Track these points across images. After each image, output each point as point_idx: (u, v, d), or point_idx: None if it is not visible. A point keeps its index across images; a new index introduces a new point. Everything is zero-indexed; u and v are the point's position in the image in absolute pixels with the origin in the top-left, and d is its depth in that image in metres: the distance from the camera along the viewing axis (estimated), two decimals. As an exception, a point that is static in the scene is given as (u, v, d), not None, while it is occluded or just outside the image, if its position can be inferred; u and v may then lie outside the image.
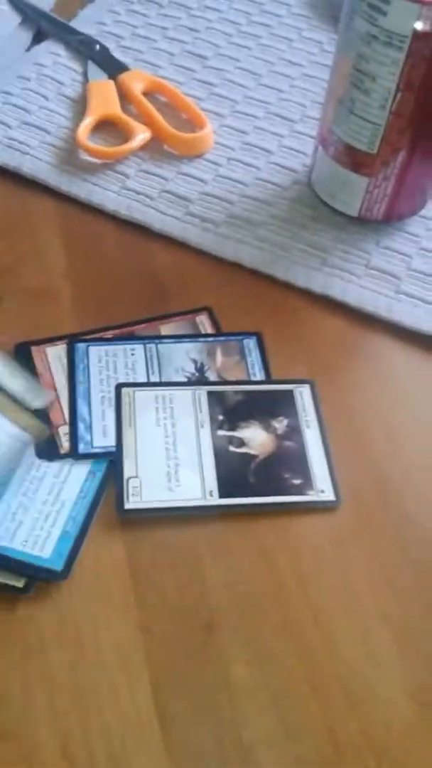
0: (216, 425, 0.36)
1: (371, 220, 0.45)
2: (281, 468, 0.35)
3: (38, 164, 0.47)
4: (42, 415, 0.34)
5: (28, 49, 0.55)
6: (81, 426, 0.35)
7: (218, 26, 0.59)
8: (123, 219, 0.45)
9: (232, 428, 0.36)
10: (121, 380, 0.37)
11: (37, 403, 0.32)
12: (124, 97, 0.52)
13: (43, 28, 0.57)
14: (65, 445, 0.35)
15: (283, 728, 0.28)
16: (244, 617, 0.31)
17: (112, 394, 0.37)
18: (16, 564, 0.30)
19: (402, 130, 0.40)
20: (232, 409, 0.37)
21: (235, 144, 0.50)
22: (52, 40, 0.56)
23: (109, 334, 0.39)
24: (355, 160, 0.42)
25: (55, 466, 0.34)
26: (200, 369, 0.39)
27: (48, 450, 0.34)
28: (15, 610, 0.30)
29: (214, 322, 0.41)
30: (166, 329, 0.40)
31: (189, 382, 0.38)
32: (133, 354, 0.39)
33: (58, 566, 0.30)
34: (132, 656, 0.30)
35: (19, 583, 0.30)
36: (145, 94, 0.52)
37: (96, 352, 0.38)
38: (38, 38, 0.56)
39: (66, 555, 0.31)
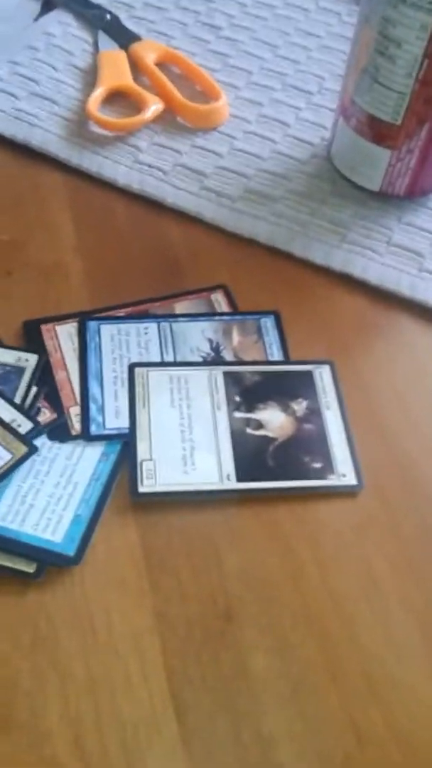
0: (233, 407, 0.35)
1: (393, 195, 0.43)
2: (301, 451, 0.34)
3: (47, 136, 0.45)
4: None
5: (37, 19, 0.54)
6: (93, 407, 0.34)
7: (232, -5, 0.58)
8: (135, 193, 0.44)
9: (250, 410, 0.35)
10: (134, 360, 0.36)
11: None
12: (136, 67, 0.50)
13: (52, -3, 0.55)
14: (77, 426, 0.33)
15: (303, 720, 0.27)
16: (262, 605, 0.30)
17: (125, 375, 0.36)
18: (27, 548, 0.29)
19: (428, 99, 0.38)
20: (249, 391, 0.36)
21: (251, 116, 0.48)
22: (61, 9, 0.54)
23: (121, 312, 0.38)
24: (377, 131, 0.41)
25: (67, 447, 0.33)
26: (216, 349, 0.37)
27: (59, 431, 0.33)
28: (25, 595, 0.29)
29: (230, 301, 0.39)
30: (180, 307, 0.39)
31: (204, 363, 0.37)
32: (146, 333, 0.37)
33: (71, 551, 0.29)
34: (146, 643, 0.29)
35: (30, 569, 0.29)
36: (158, 64, 0.50)
37: (108, 330, 0.37)
38: (47, 7, 0.55)
39: (78, 539, 0.30)
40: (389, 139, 0.41)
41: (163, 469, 0.32)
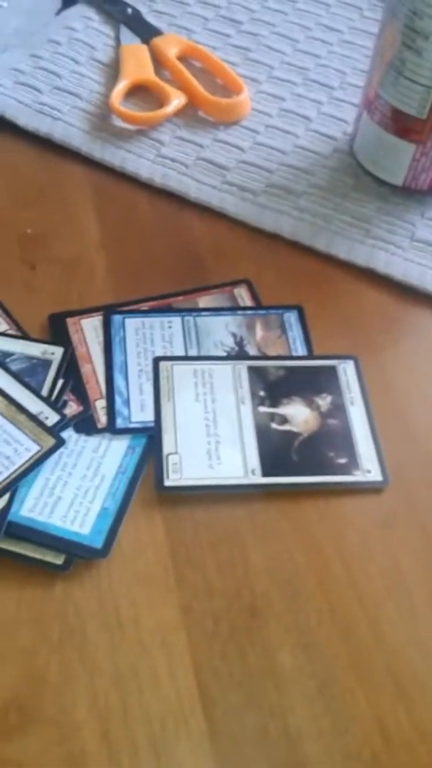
0: (257, 401, 0.35)
1: (416, 190, 0.43)
2: (325, 446, 0.34)
3: (70, 130, 0.45)
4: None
5: (58, 13, 0.54)
6: (118, 400, 0.34)
7: (253, -10, 0.57)
8: (157, 187, 0.44)
9: (274, 405, 0.35)
10: (159, 353, 0.36)
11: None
12: (158, 62, 0.50)
13: (73, -9, 0.55)
14: (102, 419, 0.33)
15: (330, 718, 0.27)
16: (288, 601, 0.30)
17: (150, 368, 0.35)
18: (55, 540, 0.29)
19: (455, 93, 0.38)
20: (273, 385, 0.36)
21: (272, 110, 0.48)
22: (83, 3, 0.54)
23: (145, 306, 0.38)
24: (402, 125, 0.40)
25: (93, 440, 0.32)
26: (240, 343, 0.37)
27: (85, 424, 0.33)
28: (53, 588, 0.29)
29: (254, 295, 0.39)
30: (203, 302, 0.39)
31: (228, 357, 0.36)
32: (170, 327, 0.37)
33: (98, 544, 0.29)
34: (173, 637, 0.28)
35: (58, 560, 0.29)
36: (180, 58, 0.50)
37: (132, 324, 0.37)
38: (68, 2, 0.54)
39: (106, 532, 0.30)
40: (414, 134, 0.40)
41: (189, 463, 0.32)
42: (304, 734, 0.27)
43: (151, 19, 0.53)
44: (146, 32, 0.52)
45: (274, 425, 0.34)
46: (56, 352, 0.34)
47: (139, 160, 0.44)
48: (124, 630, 0.28)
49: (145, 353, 0.36)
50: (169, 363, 0.36)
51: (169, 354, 0.36)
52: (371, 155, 0.43)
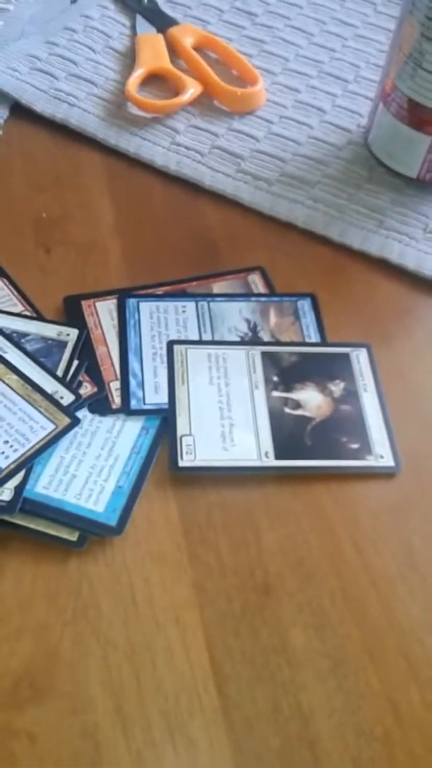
0: (271, 386, 0.35)
1: (430, 183, 0.43)
2: (338, 432, 0.34)
3: (86, 116, 0.45)
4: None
5: (75, 1, 0.54)
6: (133, 382, 0.34)
7: (268, -17, 0.57)
8: (172, 175, 0.44)
9: (288, 390, 0.35)
10: (173, 337, 0.36)
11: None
12: (174, 51, 0.50)
13: (89, -20, 0.55)
14: (117, 400, 0.33)
15: (342, 695, 0.27)
16: (301, 582, 0.30)
17: (164, 351, 0.36)
18: (70, 517, 0.29)
19: (473, 85, 0.38)
20: (287, 371, 0.36)
21: (287, 102, 0.48)
22: (98, -8, 0.54)
23: (159, 291, 0.38)
24: (419, 117, 0.40)
25: (107, 421, 0.33)
26: (253, 329, 0.37)
27: (100, 405, 0.33)
28: (67, 564, 0.29)
29: (267, 282, 0.39)
30: (217, 287, 0.39)
31: (242, 342, 0.37)
32: (184, 311, 0.37)
33: (113, 521, 0.29)
34: (186, 614, 0.29)
35: (73, 537, 0.29)
36: (195, 49, 0.50)
37: (147, 307, 0.37)
38: (84, -10, 0.55)
39: (120, 510, 0.30)
40: (430, 126, 0.40)
41: (203, 445, 0.33)
42: (316, 711, 0.27)
43: (166, 9, 0.54)
44: (162, 22, 0.52)
45: (287, 410, 0.34)
46: (71, 334, 0.35)
47: (154, 148, 0.44)
48: (138, 607, 0.29)
49: (159, 337, 0.36)
50: (183, 347, 0.36)
51: (183, 338, 0.36)
52: (386, 147, 0.43)
